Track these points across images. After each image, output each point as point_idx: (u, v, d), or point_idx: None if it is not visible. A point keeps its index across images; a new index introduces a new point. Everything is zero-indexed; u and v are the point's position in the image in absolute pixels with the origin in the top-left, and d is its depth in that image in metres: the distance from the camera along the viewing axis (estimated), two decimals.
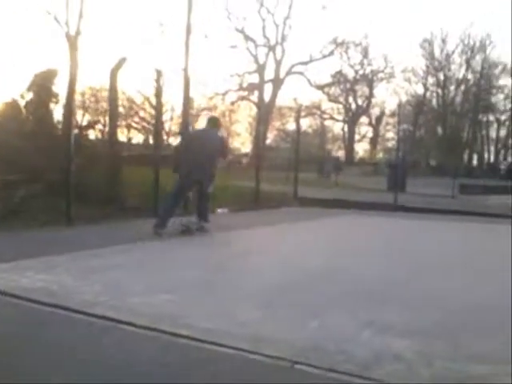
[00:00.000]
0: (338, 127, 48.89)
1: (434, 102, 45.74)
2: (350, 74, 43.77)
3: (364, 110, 47.26)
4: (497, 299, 3.76)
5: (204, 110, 31.04)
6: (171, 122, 28.33)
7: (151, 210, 8.00)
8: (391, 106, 47.14)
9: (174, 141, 25.71)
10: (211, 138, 6.93)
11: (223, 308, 3.33)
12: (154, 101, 13.57)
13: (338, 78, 43.26)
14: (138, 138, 30.22)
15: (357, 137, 48.81)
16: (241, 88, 37.15)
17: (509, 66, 40.47)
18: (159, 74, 9.16)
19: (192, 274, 4.37)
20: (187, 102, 11.64)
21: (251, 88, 37.47)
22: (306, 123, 42.65)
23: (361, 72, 43.83)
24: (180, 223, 6.74)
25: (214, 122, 7.38)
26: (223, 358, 2.50)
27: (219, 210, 10.02)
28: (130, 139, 26.03)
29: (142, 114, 28.35)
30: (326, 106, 45.47)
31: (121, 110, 19.37)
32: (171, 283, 3.96)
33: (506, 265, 4.91)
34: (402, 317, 3.19)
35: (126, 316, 3.04)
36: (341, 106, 46.93)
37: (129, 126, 27.72)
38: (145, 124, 28.35)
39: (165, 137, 25.52)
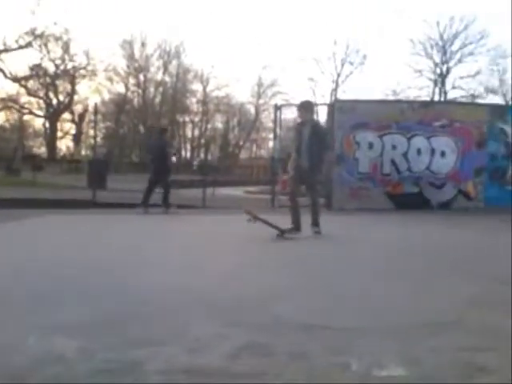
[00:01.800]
0: (39, 123, 45.77)
1: (136, 101, 46.91)
2: (51, 69, 41.48)
3: (66, 106, 45.43)
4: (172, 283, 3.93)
5: None
6: None
7: None
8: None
9: None
10: None
11: None
12: None
13: (37, 71, 40.51)
14: None
15: (59, 133, 46.58)
16: None
17: (199, 73, 44.44)
18: None
19: None
20: None
21: None
22: (1, 117, 38.67)
23: (62, 67, 41.96)
24: None
25: None
26: None
27: None
28: None
29: None
30: (25, 99, 42.09)
31: None
32: None
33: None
34: (73, 316, 3.01)
35: None
36: (41, 101, 44.09)
37: None
38: None
39: None
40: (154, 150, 11.49)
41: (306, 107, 7.22)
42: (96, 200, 12.69)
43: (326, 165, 6.84)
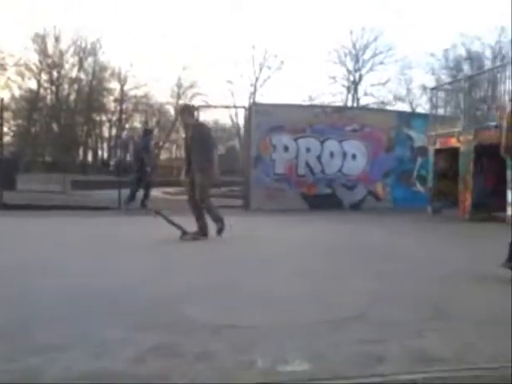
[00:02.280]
0: None
1: (49, 98, 44.86)
2: None
3: None
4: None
5: None
6: None
7: None
8: (5, 99, 43.82)
9: None
10: None
11: None
12: None
13: None
14: None
15: None
16: None
17: (117, 71, 43.27)
18: None
19: None
20: None
21: None
22: None
23: None
24: None
25: None
26: None
27: None
28: None
29: None
30: None
31: None
32: None
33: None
34: None
35: None
36: None
37: None
38: None
39: None
40: (138, 150, 12.04)
41: (184, 110, 7.36)
42: (4, 201, 12.00)
43: (215, 164, 6.76)
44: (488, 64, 31.10)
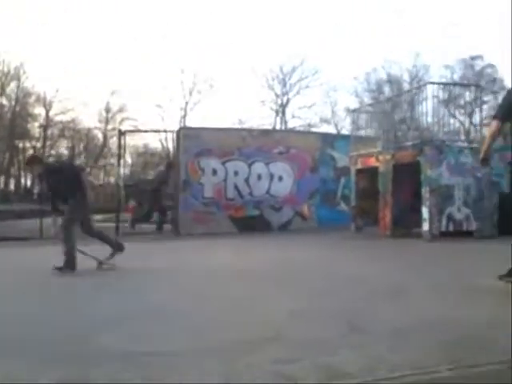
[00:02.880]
0: None
1: None
2: None
3: None
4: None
5: None
6: None
7: None
8: None
9: None
10: None
11: None
12: None
13: None
14: None
15: None
16: None
17: (42, 96, 41.90)
18: None
19: None
20: None
21: None
22: None
23: None
24: None
25: None
26: None
27: None
28: None
29: None
30: None
31: None
32: None
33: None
34: None
35: None
36: None
37: None
38: None
39: None
40: (158, 181, 15.10)
41: (31, 162, 7.44)
42: None
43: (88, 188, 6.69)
44: (406, 86, 32.84)
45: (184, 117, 40.84)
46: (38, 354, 2.88)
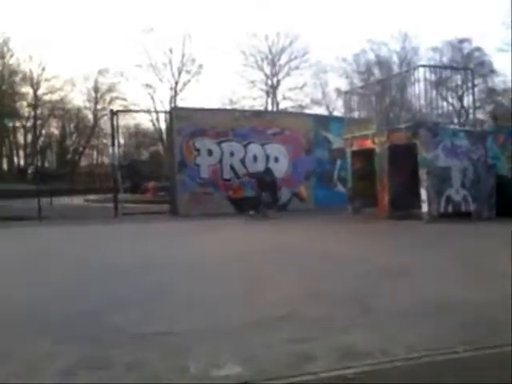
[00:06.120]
0: None
1: None
2: None
3: None
4: None
5: None
6: None
7: None
8: None
9: None
10: None
11: None
12: None
13: None
14: None
15: None
16: None
17: (28, 75, 41.19)
18: None
19: None
20: None
21: None
22: None
23: None
24: None
25: None
26: None
27: None
28: None
29: None
30: None
31: None
32: None
33: None
34: None
35: None
36: None
37: None
38: None
39: None
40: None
41: None
42: None
43: None
44: (396, 69, 32.71)
45: (174, 96, 40.43)
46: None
